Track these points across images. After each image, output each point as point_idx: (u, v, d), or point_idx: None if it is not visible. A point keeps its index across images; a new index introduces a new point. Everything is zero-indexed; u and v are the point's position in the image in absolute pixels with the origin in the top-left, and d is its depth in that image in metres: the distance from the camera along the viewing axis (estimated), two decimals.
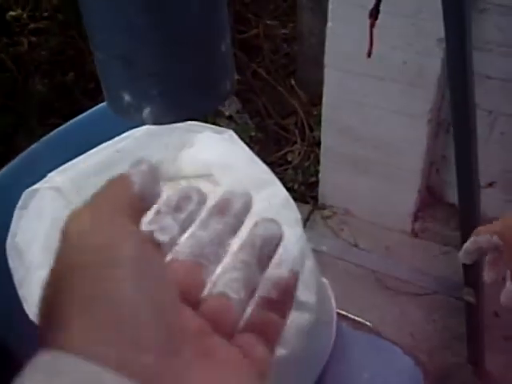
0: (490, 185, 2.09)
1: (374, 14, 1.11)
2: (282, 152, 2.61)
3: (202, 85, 0.71)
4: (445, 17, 1.18)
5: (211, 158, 1.05)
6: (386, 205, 2.19)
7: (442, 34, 1.73)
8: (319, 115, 2.57)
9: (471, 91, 1.31)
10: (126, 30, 0.66)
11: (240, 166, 1.02)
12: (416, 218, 2.22)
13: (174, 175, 1.11)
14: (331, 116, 2.11)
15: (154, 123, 0.72)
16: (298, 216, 0.97)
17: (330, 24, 1.90)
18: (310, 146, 2.59)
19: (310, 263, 0.99)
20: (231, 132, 1.08)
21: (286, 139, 2.67)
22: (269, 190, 0.99)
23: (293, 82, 2.77)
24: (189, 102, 0.72)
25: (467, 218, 1.53)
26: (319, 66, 2.53)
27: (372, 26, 1.11)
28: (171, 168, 1.10)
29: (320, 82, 2.40)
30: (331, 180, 2.28)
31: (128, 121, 0.74)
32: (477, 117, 1.37)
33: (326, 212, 2.31)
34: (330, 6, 1.87)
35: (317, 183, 2.37)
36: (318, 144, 2.39)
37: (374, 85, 1.95)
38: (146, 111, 0.70)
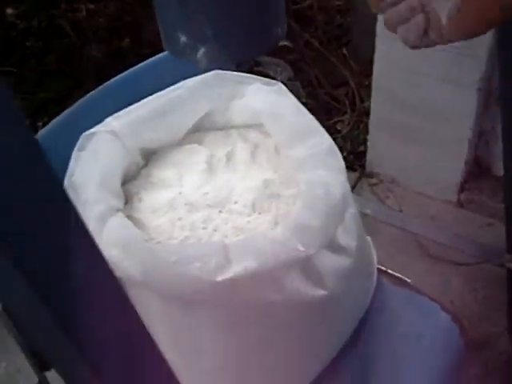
0: None
1: None
2: (332, 121, 2.64)
3: (255, 28, 0.75)
4: None
5: (261, 108, 1.08)
6: (432, 174, 2.21)
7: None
8: (370, 86, 2.60)
9: None
10: None
11: (288, 116, 1.06)
12: (462, 188, 2.22)
13: (224, 125, 1.15)
14: (381, 84, 2.13)
15: (208, 64, 0.76)
16: (342, 164, 1.00)
17: None
18: (360, 116, 2.61)
19: (351, 210, 1.03)
20: (280, 84, 1.11)
21: (337, 109, 2.69)
22: (315, 138, 1.02)
23: (345, 52, 2.78)
24: (241, 45, 0.76)
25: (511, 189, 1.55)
26: (372, 37, 2.54)
27: None
28: (222, 118, 1.14)
29: (372, 53, 2.42)
30: (379, 149, 2.31)
31: (184, 65, 0.78)
32: None
33: (373, 180, 2.34)
34: None
35: (365, 152, 2.40)
36: (368, 114, 2.41)
37: (425, 53, 1.94)
38: (201, 52, 0.74)
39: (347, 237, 1.00)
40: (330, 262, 0.97)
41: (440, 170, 2.19)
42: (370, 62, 2.55)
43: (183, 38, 0.71)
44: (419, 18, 0.75)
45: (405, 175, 2.25)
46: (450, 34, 0.72)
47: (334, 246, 0.97)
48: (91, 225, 0.91)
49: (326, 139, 1.02)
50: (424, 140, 2.15)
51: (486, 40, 1.86)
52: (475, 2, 0.70)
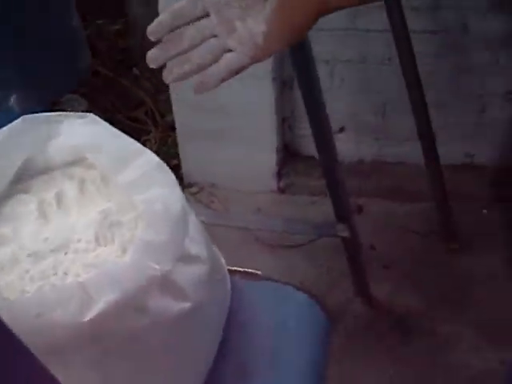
0: (341, 130, 2.21)
1: None
2: (140, 142, 2.63)
3: (61, 62, 0.75)
4: None
5: (80, 142, 1.07)
6: (248, 169, 2.27)
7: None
8: (167, 100, 2.63)
9: (308, 45, 1.41)
10: None
11: (108, 143, 1.05)
12: (280, 175, 2.31)
13: (46, 168, 1.12)
14: (179, 95, 2.16)
15: (21, 110, 0.75)
16: (173, 177, 1.02)
17: (160, 2, 1.95)
18: (165, 131, 2.63)
19: (193, 218, 1.04)
20: (92, 115, 1.10)
21: (140, 129, 2.70)
22: (140, 159, 1.03)
23: (136, 73, 2.80)
24: (51, 81, 0.75)
25: (328, 165, 1.63)
26: None
27: None
28: (42, 161, 1.11)
29: (160, 68, 2.45)
30: (192, 158, 2.34)
31: None
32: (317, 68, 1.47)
33: (194, 189, 2.37)
34: None
35: (179, 165, 2.42)
36: (173, 128, 2.44)
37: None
38: (13, 99, 0.73)
39: (196, 246, 1.02)
40: (187, 274, 0.98)
41: (255, 163, 2.26)
42: (161, 79, 2.58)
43: None
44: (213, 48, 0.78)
45: (223, 177, 2.30)
46: (268, 49, 0.75)
47: (186, 258, 0.98)
48: None
49: (151, 157, 1.02)
50: (233, 139, 2.21)
51: None
52: (283, 19, 0.73)
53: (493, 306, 1.96)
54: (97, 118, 1.11)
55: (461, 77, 2.12)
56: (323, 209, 2.26)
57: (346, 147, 1.92)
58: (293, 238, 2.12)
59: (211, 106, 2.14)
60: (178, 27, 0.79)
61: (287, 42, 0.76)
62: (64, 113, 1.13)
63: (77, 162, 1.12)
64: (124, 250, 0.97)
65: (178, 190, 1.00)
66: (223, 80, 0.79)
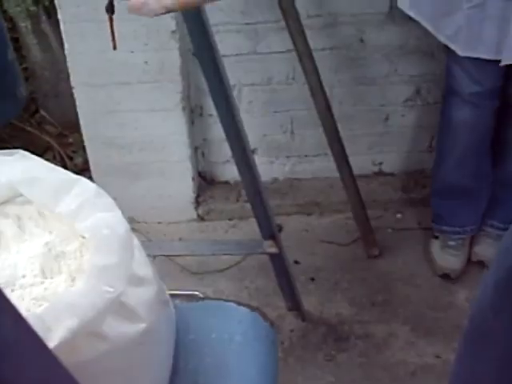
0: (253, 152, 2.26)
1: (110, 9, 1.18)
2: None
3: (1, 93, 0.76)
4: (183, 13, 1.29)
5: (13, 178, 1.07)
6: (166, 200, 2.29)
7: (173, 26, 1.87)
8: (76, 142, 2.62)
9: (223, 71, 1.45)
10: None
11: (43, 176, 1.06)
12: (198, 203, 2.33)
13: None
14: (91, 133, 2.16)
15: None
16: (113, 201, 1.03)
17: (66, 45, 1.95)
18: (77, 174, 2.60)
19: (136, 241, 1.05)
20: (20, 150, 1.10)
21: None
22: (78, 187, 1.04)
23: (38, 119, 2.77)
24: None
25: (251, 184, 1.67)
26: (60, 96, 2.57)
27: (111, 20, 1.18)
28: None
29: (65, 111, 2.45)
30: (109, 195, 2.32)
31: None
32: None
33: None
34: (63, 28, 1.92)
35: None
36: (83, 170, 2.43)
37: (123, 91, 2.03)
38: None
39: (142, 267, 1.03)
40: (138, 295, 0.99)
41: (172, 194, 2.27)
42: (66, 121, 2.58)
43: None
44: None
45: (142, 211, 2.30)
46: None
47: (135, 280, 0.99)
48: None
49: (88, 184, 1.03)
50: (148, 172, 2.22)
51: (176, 63, 1.98)
52: None
53: (420, 303, 2.04)
54: (26, 153, 1.11)
55: (362, 88, 2.21)
56: (243, 231, 2.31)
57: (260, 168, 1.95)
58: (217, 264, 2.14)
59: (123, 141, 2.15)
60: None
61: None
62: None
63: (11, 199, 1.12)
64: (73, 279, 0.98)
65: (119, 213, 1.02)
66: (165, 9, 0.81)
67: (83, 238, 1.02)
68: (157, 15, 0.80)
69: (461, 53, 1.73)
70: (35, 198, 1.07)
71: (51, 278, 0.99)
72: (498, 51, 1.70)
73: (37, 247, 1.02)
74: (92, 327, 0.89)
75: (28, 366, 0.41)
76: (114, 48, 1.24)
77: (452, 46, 1.75)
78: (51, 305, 0.92)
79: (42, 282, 0.98)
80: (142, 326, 0.97)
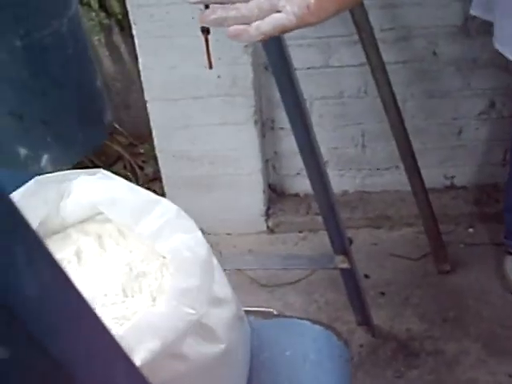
0: (324, 165, 2.26)
1: (206, 29, 1.19)
2: None
3: (89, 121, 0.77)
4: None
5: (94, 197, 1.09)
6: (237, 212, 2.30)
7: None
8: (147, 152, 2.66)
9: (297, 85, 1.46)
10: (11, 86, 0.71)
11: (124, 196, 1.08)
12: (268, 215, 2.34)
13: (60, 227, 1.14)
14: (164, 146, 2.19)
15: (54, 168, 0.77)
16: (193, 223, 1.04)
17: (140, 60, 1.99)
18: (146, 183, 2.65)
19: (215, 261, 1.07)
20: (103, 170, 1.13)
21: None
22: (159, 208, 1.05)
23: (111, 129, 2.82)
24: (81, 140, 0.77)
25: (323, 198, 1.67)
26: (131, 107, 2.62)
27: (206, 40, 1.20)
28: (56, 221, 1.13)
29: (135, 122, 2.49)
30: (180, 206, 2.35)
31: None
32: None
33: None
34: (137, 43, 1.96)
35: None
36: (153, 180, 2.47)
37: (196, 105, 2.05)
38: (44, 159, 0.75)
39: (222, 288, 1.04)
40: (217, 316, 1.00)
41: (242, 206, 2.29)
42: (136, 132, 2.62)
43: (23, 151, 0.72)
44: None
45: (212, 223, 2.31)
46: (317, 11, 0.76)
47: (215, 301, 1.00)
48: None
49: (169, 205, 1.05)
50: (219, 184, 2.24)
51: (249, 77, 1.99)
52: None
53: (492, 320, 2.00)
54: (108, 173, 1.13)
55: (435, 101, 2.19)
56: (313, 244, 2.30)
57: (330, 181, 1.95)
58: (286, 276, 2.14)
59: (195, 154, 2.17)
60: None
61: (339, 7, 0.76)
62: (74, 171, 1.15)
63: (91, 217, 1.14)
64: (154, 299, 0.99)
65: (200, 234, 1.03)
66: (265, 35, 0.78)
67: (164, 258, 1.04)
68: (255, 42, 0.81)
69: None
70: (116, 218, 1.09)
71: (132, 296, 1.01)
72: None
73: (118, 266, 1.04)
74: (173, 349, 0.90)
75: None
76: (210, 67, 1.26)
77: None
78: (133, 326, 0.93)
79: (124, 301, 1.00)
80: (221, 346, 0.98)
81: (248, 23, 0.80)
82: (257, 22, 0.79)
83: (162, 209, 1.06)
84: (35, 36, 0.70)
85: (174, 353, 0.91)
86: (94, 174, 1.13)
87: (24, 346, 0.30)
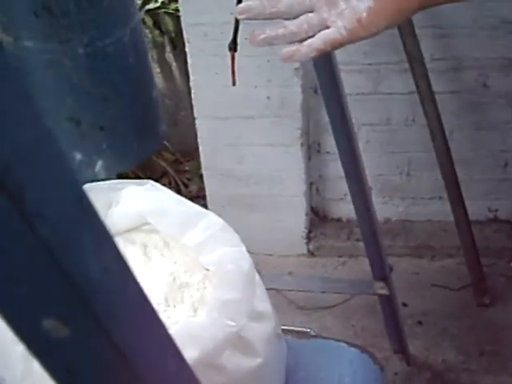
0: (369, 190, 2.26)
1: (233, 47, 1.21)
2: None
3: (144, 130, 0.80)
4: None
5: (142, 208, 1.11)
6: (278, 234, 2.31)
7: (296, 64, 1.91)
8: (192, 170, 2.69)
9: (347, 109, 1.47)
10: (71, 92, 0.74)
11: (171, 208, 1.10)
12: (309, 238, 2.35)
13: None
14: (210, 163, 2.21)
15: (107, 175, 0.80)
16: (238, 236, 1.06)
17: (192, 77, 2.02)
18: (191, 201, 2.68)
19: (257, 277, 1.08)
20: (151, 181, 1.15)
21: None
22: (205, 221, 1.07)
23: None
24: (135, 148, 0.80)
25: (366, 224, 1.67)
26: (179, 124, 2.66)
27: (233, 58, 1.22)
28: None
29: (183, 139, 2.52)
30: None
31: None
32: None
33: None
34: (189, 61, 2.00)
35: None
36: (195, 197, 2.49)
37: (244, 124, 2.08)
38: (98, 165, 0.78)
39: (262, 303, 1.05)
40: (257, 330, 1.01)
41: (284, 227, 2.30)
42: (184, 149, 2.66)
43: (78, 156, 0.74)
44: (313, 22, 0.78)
45: (253, 242, 2.29)
46: (369, 26, 0.75)
47: (255, 315, 1.01)
48: None
49: (215, 219, 1.07)
50: (263, 204, 2.25)
51: (298, 100, 2.01)
52: None
53: None
54: (156, 184, 1.15)
55: (483, 133, 2.18)
56: (353, 270, 2.31)
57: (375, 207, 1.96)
58: (324, 300, 2.14)
59: (241, 173, 2.20)
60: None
61: (390, 22, 0.75)
62: (123, 180, 1.18)
63: (138, 227, 1.16)
64: (195, 310, 1.01)
65: (243, 249, 1.05)
66: (317, 51, 0.78)
67: (207, 270, 1.05)
68: (308, 59, 0.80)
69: None
70: (162, 228, 1.11)
71: (174, 306, 1.02)
72: None
73: (161, 276, 1.06)
74: (211, 359, 0.91)
75: None
76: (234, 84, 1.28)
77: None
78: (173, 334, 0.95)
79: (165, 311, 1.02)
80: (259, 360, 0.99)
81: (297, 40, 0.80)
82: (308, 41, 0.80)
83: (208, 222, 1.07)
84: (98, 44, 0.73)
85: (212, 363, 0.92)
86: (143, 184, 1.16)
87: (86, 326, 0.32)
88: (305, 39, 0.79)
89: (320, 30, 0.78)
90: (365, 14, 0.75)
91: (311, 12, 0.79)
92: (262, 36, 0.81)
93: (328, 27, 0.77)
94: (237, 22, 1.28)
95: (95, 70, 0.73)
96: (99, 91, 0.74)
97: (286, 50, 0.79)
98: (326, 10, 0.78)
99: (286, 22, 0.80)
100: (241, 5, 0.82)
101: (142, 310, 0.38)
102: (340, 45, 0.77)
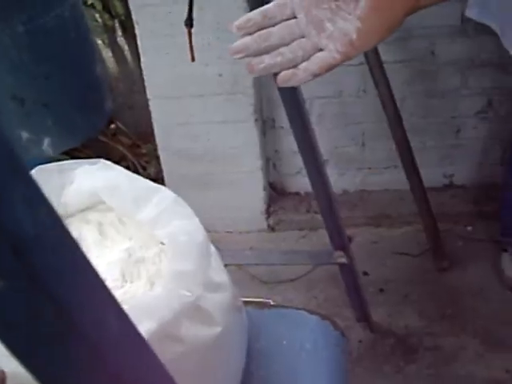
0: (324, 163, 2.28)
1: (189, 23, 1.22)
2: None
3: (90, 105, 0.80)
4: None
5: (95, 186, 1.12)
6: (238, 210, 2.33)
7: None
8: (149, 152, 2.68)
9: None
10: (13, 70, 0.74)
11: (124, 185, 1.10)
12: (268, 214, 2.37)
13: (62, 215, 1.17)
14: (165, 144, 2.22)
15: (55, 152, 0.80)
16: (190, 209, 1.07)
17: (143, 59, 2.02)
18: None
19: (212, 249, 1.09)
20: (102, 160, 1.16)
21: None
22: (158, 195, 1.08)
23: (114, 128, 2.86)
24: (81, 124, 0.80)
25: (323, 196, 1.69)
26: (134, 107, 2.65)
27: (189, 34, 1.22)
28: (58, 209, 1.15)
29: (138, 122, 2.52)
30: None
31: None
32: None
33: None
34: (140, 42, 1.99)
35: None
36: (155, 179, 2.49)
37: (197, 103, 2.08)
38: (46, 143, 0.78)
39: (218, 273, 1.06)
40: (214, 300, 1.02)
41: (243, 204, 2.31)
42: (139, 132, 2.65)
43: (25, 135, 0.74)
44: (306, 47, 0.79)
45: (213, 221, 2.33)
46: (361, 46, 0.77)
47: (211, 285, 1.03)
48: None
49: (168, 193, 1.08)
50: (221, 183, 2.26)
51: (249, 76, 2.01)
52: (378, 15, 0.75)
53: (490, 316, 2.02)
54: (108, 162, 1.16)
55: (434, 101, 2.21)
56: (313, 242, 2.33)
57: (331, 180, 1.97)
58: (286, 273, 2.17)
59: (196, 152, 2.20)
60: (265, 27, 0.81)
61: (381, 37, 0.77)
62: (75, 160, 1.18)
63: (93, 206, 1.17)
64: (152, 284, 1.02)
65: (197, 221, 1.06)
66: (314, 75, 0.79)
67: (162, 244, 1.06)
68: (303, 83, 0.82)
69: None
70: (116, 206, 1.12)
71: (131, 282, 1.03)
72: None
73: (117, 252, 1.07)
74: (169, 330, 0.92)
75: (133, 360, 0.44)
76: (193, 60, 1.28)
77: None
78: (130, 307, 0.95)
79: (122, 286, 1.03)
80: (218, 329, 1.00)
81: (294, 66, 0.82)
82: (304, 64, 0.81)
83: (161, 196, 1.08)
84: (38, 21, 0.73)
85: (171, 334, 0.93)
86: (95, 163, 1.16)
87: (21, 280, 0.33)
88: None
89: (314, 53, 0.80)
90: (355, 36, 0.76)
91: (303, 37, 0.81)
92: (262, 66, 0.81)
93: (321, 49, 0.79)
94: None
95: (36, 47, 0.73)
96: (41, 68, 0.74)
97: (282, 75, 0.80)
98: (315, 34, 0.79)
99: (282, 49, 0.81)
100: (236, 44, 0.82)
101: (79, 266, 0.38)
102: (334, 67, 0.79)
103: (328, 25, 0.78)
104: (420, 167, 2.07)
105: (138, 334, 0.46)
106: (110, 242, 1.11)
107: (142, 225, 1.08)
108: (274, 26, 0.81)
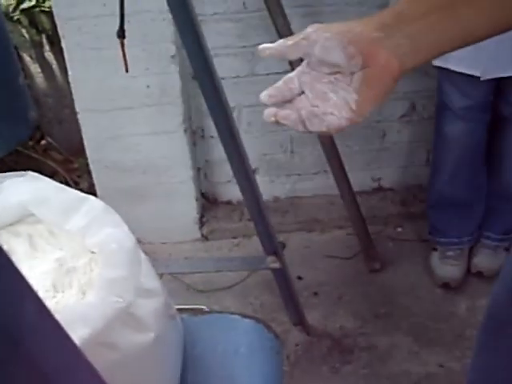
0: (254, 172, 2.31)
1: (121, 34, 1.23)
2: None
3: (13, 116, 0.81)
4: (181, 35, 1.35)
5: (23, 199, 1.12)
6: (171, 221, 2.33)
7: (173, 51, 1.93)
8: (81, 167, 2.67)
9: (222, 93, 1.51)
10: None
11: (52, 196, 1.11)
12: (202, 223, 2.38)
13: None
14: (96, 157, 2.21)
15: None
16: (119, 217, 1.08)
17: (70, 72, 2.02)
18: None
19: (143, 255, 1.10)
20: (30, 172, 1.16)
21: None
22: (86, 204, 1.09)
23: (44, 145, 2.83)
24: (4, 135, 0.81)
25: (253, 203, 1.72)
26: (64, 122, 2.63)
27: (122, 45, 1.24)
28: None
29: (69, 137, 2.51)
30: None
31: None
32: None
33: None
34: (66, 56, 1.99)
35: None
36: (89, 193, 2.47)
37: (126, 115, 2.09)
38: None
39: (150, 280, 1.07)
40: (146, 307, 1.03)
41: (176, 214, 2.32)
42: (70, 147, 2.63)
43: None
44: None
45: (147, 232, 2.34)
46: (361, 113, 0.82)
47: (143, 291, 1.04)
48: None
49: (96, 202, 1.09)
50: (153, 194, 2.27)
51: (177, 87, 2.03)
52: (370, 87, 0.81)
53: (422, 313, 2.08)
54: (36, 174, 1.16)
55: None
56: (247, 250, 2.35)
57: (261, 187, 2.00)
58: (222, 281, 2.18)
59: (127, 164, 2.20)
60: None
61: (376, 104, 0.83)
62: (3, 174, 1.18)
63: (22, 219, 1.16)
64: (84, 293, 1.02)
65: (126, 228, 1.07)
66: (322, 133, 0.85)
67: (93, 253, 1.07)
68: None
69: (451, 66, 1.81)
70: (45, 217, 1.12)
71: (62, 292, 1.03)
72: (476, 67, 1.77)
73: (48, 263, 1.07)
74: (102, 337, 0.93)
75: (52, 350, 0.45)
76: (127, 70, 1.30)
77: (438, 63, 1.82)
78: (62, 316, 0.95)
79: (54, 296, 1.03)
80: (151, 335, 1.01)
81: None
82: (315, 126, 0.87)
83: (90, 205, 1.09)
84: None
85: (104, 341, 0.94)
86: (23, 175, 1.16)
87: None
88: None
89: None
90: (354, 106, 0.82)
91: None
92: (273, 119, 0.87)
93: (331, 113, 0.84)
94: (122, 8, 1.29)
95: None
96: None
97: (295, 123, 0.86)
98: (321, 105, 0.84)
99: (299, 111, 0.86)
100: (267, 111, 0.88)
101: None
102: (342, 130, 0.84)
103: (331, 95, 0.84)
104: (348, 172, 2.11)
105: (56, 324, 0.47)
106: (41, 253, 1.11)
107: (73, 235, 1.08)
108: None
